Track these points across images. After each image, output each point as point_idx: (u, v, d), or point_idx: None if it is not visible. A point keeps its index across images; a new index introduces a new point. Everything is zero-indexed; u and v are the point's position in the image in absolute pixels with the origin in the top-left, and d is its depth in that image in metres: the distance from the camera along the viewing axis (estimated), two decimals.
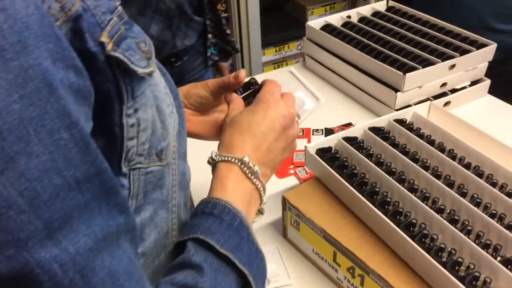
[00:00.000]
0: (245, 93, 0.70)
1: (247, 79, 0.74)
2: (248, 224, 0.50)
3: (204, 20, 1.49)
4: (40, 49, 0.30)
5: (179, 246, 0.48)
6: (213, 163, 0.56)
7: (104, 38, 0.36)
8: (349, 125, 1.12)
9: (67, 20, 0.34)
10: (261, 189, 0.56)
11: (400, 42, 1.17)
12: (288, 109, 0.61)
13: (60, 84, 0.32)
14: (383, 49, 1.15)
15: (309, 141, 1.08)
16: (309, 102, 0.70)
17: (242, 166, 0.54)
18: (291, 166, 1.01)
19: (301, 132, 1.10)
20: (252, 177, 0.54)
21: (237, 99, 0.66)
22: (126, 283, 0.35)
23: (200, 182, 0.91)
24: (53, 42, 0.31)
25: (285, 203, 0.80)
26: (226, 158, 0.54)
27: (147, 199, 0.45)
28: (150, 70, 0.40)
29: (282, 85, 0.71)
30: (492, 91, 1.22)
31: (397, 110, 1.06)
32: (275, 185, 0.96)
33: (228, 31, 1.58)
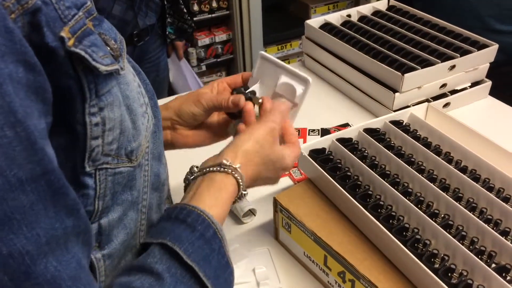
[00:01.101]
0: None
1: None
2: (222, 236, 0.48)
3: (162, 0, 1.57)
4: None
5: (145, 247, 0.47)
6: (192, 178, 0.55)
7: (64, 33, 0.35)
8: (346, 125, 1.11)
9: (23, 13, 0.32)
10: (238, 178, 0.53)
11: (399, 42, 1.15)
12: (291, 160, 0.61)
13: (7, 79, 0.30)
14: (382, 48, 1.13)
15: (304, 141, 1.07)
16: (298, 86, 0.67)
17: (219, 168, 0.53)
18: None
19: (297, 132, 1.08)
20: (230, 170, 0.53)
21: (250, 113, 0.65)
22: None
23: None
24: (3, 35, 0.30)
25: (276, 204, 0.78)
26: (205, 170, 0.54)
27: (116, 200, 0.44)
28: (114, 67, 0.39)
29: (261, 73, 0.69)
30: (493, 92, 1.20)
31: (395, 111, 1.04)
32: (268, 186, 0.94)
33: (185, 10, 1.67)
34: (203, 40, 2.47)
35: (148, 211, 0.51)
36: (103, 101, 0.39)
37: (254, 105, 0.66)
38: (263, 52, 0.69)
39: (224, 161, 0.53)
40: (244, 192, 0.54)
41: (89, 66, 0.36)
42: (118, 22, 1.42)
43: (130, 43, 1.51)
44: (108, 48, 0.39)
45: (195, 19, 2.29)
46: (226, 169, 0.53)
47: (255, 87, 0.70)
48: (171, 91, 2.01)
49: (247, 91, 0.69)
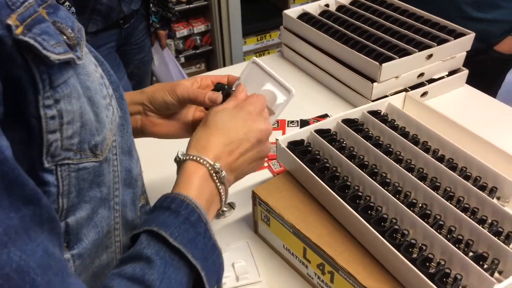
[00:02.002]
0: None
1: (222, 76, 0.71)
2: (207, 220, 0.49)
3: None
4: None
5: (133, 240, 0.47)
6: (181, 161, 0.54)
7: (11, 21, 0.33)
8: (325, 116, 1.10)
9: None
10: (223, 194, 0.55)
11: (377, 32, 1.15)
12: (267, 125, 0.60)
13: None
14: (360, 38, 1.13)
15: (283, 133, 1.06)
16: (280, 95, 0.67)
17: (211, 169, 0.53)
18: (265, 159, 0.98)
19: (276, 124, 1.07)
20: (218, 182, 0.54)
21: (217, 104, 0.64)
22: (39, 278, 0.32)
23: (160, 178, 0.88)
24: None
25: (255, 198, 0.77)
26: (197, 159, 0.53)
27: (83, 197, 0.42)
28: (68, 56, 0.37)
29: (248, 77, 0.68)
30: (472, 81, 1.20)
31: (373, 100, 1.04)
32: (248, 178, 0.93)
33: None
34: (181, 31, 2.44)
35: (122, 208, 0.49)
36: (59, 92, 0.37)
37: None
38: (256, 58, 0.69)
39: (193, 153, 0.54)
40: (222, 175, 0.53)
41: (40, 55, 0.34)
42: (105, 8, 1.44)
43: (117, 26, 1.54)
44: (65, 37, 0.37)
45: None
46: (197, 158, 0.53)
47: None
48: (154, 81, 2.00)
49: (229, 88, 0.68)
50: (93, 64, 0.43)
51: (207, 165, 0.53)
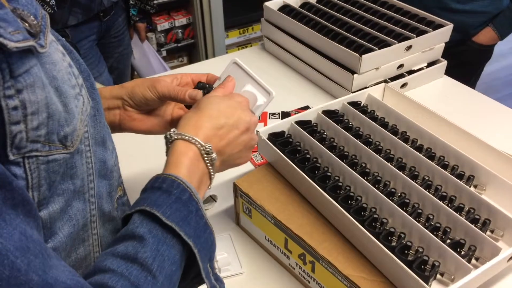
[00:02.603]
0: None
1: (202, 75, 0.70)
2: (198, 199, 0.49)
3: None
4: None
5: (125, 221, 0.47)
6: (171, 140, 0.54)
7: None
8: (306, 108, 1.10)
9: None
10: (212, 175, 0.55)
11: (357, 23, 1.15)
12: (254, 117, 0.61)
13: None
14: (341, 30, 1.13)
15: (265, 125, 1.05)
16: (261, 97, 0.68)
17: (202, 150, 0.53)
18: (251, 152, 0.99)
19: (258, 117, 1.07)
20: (208, 162, 0.54)
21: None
22: (18, 260, 0.32)
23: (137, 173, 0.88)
24: None
25: (236, 190, 0.77)
26: (188, 138, 0.53)
27: (55, 190, 0.41)
28: (28, 44, 0.35)
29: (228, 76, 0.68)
30: (451, 72, 1.22)
31: (354, 92, 1.05)
32: (230, 171, 0.93)
33: None
34: (163, 24, 2.41)
35: (98, 200, 0.49)
36: (21, 82, 0.35)
37: None
38: (237, 59, 0.69)
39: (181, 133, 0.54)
40: (213, 157, 0.54)
41: None
42: (86, 0, 1.43)
43: (97, 19, 1.53)
44: (26, 24, 0.36)
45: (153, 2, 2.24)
46: (188, 138, 0.53)
47: None
48: (135, 75, 1.98)
49: (209, 87, 0.68)
50: (60, 53, 0.42)
51: (199, 145, 0.53)
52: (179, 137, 0.53)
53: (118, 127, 0.67)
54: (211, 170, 0.55)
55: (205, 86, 0.67)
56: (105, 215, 0.51)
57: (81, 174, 0.44)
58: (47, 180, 0.40)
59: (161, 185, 0.48)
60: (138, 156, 0.95)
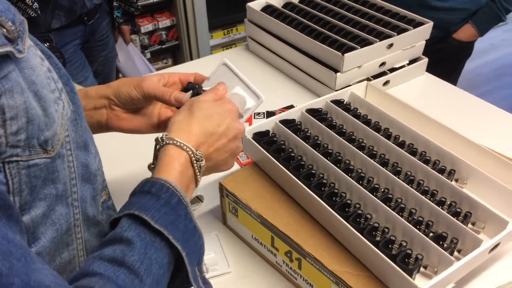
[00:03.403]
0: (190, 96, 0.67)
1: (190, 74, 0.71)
2: (187, 203, 0.50)
3: None
4: None
5: (113, 225, 0.48)
6: (163, 144, 0.54)
7: None
8: (290, 107, 1.11)
9: None
10: (199, 181, 0.56)
11: (340, 23, 1.17)
12: (242, 126, 0.63)
13: None
14: (323, 29, 1.14)
15: (250, 125, 1.06)
16: (250, 100, 0.69)
17: (193, 156, 0.54)
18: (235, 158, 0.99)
19: None
20: (197, 169, 0.55)
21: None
22: (0, 264, 0.32)
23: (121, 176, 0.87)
24: None
25: (222, 189, 0.78)
26: (180, 144, 0.54)
27: (37, 194, 0.41)
28: (5, 50, 0.36)
29: (218, 79, 0.68)
30: (432, 69, 1.24)
31: (337, 90, 1.06)
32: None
33: None
34: (146, 26, 2.41)
35: (82, 204, 0.49)
36: None
37: None
38: (226, 60, 0.69)
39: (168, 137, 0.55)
40: (202, 164, 0.55)
41: None
42: (68, 2, 1.41)
43: (81, 23, 1.52)
44: (4, 30, 0.36)
45: None
46: (180, 144, 0.54)
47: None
48: (120, 77, 1.97)
49: (199, 88, 0.68)
50: (39, 58, 0.42)
51: (190, 152, 0.54)
52: (171, 142, 0.54)
53: (105, 127, 0.67)
54: (199, 176, 0.55)
55: (194, 87, 0.67)
56: (90, 219, 0.51)
57: (63, 178, 0.44)
58: (28, 185, 0.40)
59: (150, 189, 0.48)
60: (124, 160, 0.94)
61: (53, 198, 0.43)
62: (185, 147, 0.53)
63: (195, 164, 0.54)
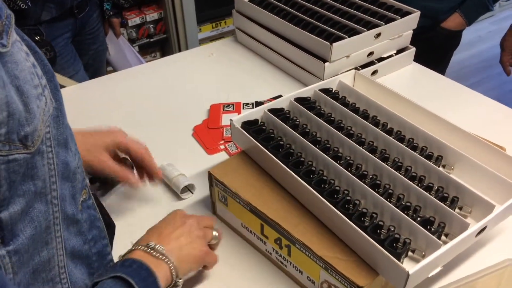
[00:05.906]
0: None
1: None
2: (160, 285, 0.58)
3: None
4: None
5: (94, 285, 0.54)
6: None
7: None
8: (279, 97, 1.11)
9: None
10: (170, 265, 0.61)
11: (328, 13, 1.17)
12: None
13: None
14: (311, 19, 1.14)
15: (239, 114, 1.06)
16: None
17: (145, 248, 0.61)
18: (221, 142, 0.99)
19: (232, 107, 1.07)
20: (156, 253, 0.61)
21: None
22: None
23: None
24: None
25: (211, 178, 0.78)
26: (133, 248, 0.62)
27: (15, 190, 0.41)
28: None
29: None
30: (421, 58, 1.25)
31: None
32: (205, 162, 0.94)
33: None
34: (134, 19, 2.39)
35: (61, 202, 0.48)
36: None
37: None
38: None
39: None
40: (172, 267, 0.62)
41: None
42: None
43: (71, 16, 1.51)
44: None
45: None
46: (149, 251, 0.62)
47: None
48: (111, 71, 1.96)
49: None
50: (24, 53, 0.41)
51: (140, 247, 0.62)
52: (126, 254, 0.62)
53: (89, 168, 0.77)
54: (166, 260, 0.61)
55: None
56: (69, 218, 0.50)
57: (42, 175, 0.43)
58: (7, 180, 0.39)
59: (131, 264, 0.57)
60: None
61: (32, 194, 0.43)
62: (138, 246, 0.62)
63: (152, 252, 0.61)
